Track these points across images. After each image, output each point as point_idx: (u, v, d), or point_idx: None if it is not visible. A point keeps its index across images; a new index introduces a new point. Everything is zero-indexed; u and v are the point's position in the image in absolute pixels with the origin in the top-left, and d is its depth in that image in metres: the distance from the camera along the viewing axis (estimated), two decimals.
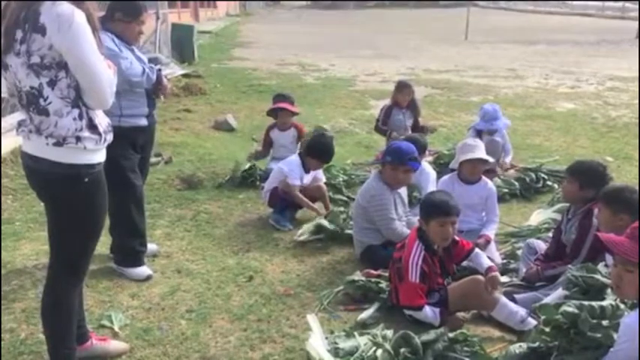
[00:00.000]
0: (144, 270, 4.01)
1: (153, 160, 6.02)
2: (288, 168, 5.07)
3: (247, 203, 5.48)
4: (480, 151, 4.56)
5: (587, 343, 2.70)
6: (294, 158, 5.20)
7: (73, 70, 2.44)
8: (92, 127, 2.55)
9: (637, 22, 24.27)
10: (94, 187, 2.62)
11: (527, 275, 3.81)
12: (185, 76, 12.20)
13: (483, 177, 4.67)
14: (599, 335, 2.67)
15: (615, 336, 2.60)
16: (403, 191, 4.45)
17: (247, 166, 5.99)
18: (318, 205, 5.15)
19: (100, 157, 2.63)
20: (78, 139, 2.50)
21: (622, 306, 2.81)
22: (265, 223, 5.04)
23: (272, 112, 6.25)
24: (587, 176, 3.70)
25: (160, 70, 3.98)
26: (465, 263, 3.94)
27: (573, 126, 8.89)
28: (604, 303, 2.82)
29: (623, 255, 2.42)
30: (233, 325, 3.45)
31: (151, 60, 4.52)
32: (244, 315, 3.56)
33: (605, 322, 2.73)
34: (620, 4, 34.56)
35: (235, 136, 8.19)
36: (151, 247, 4.30)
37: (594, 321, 2.71)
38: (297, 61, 16.51)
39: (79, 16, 2.39)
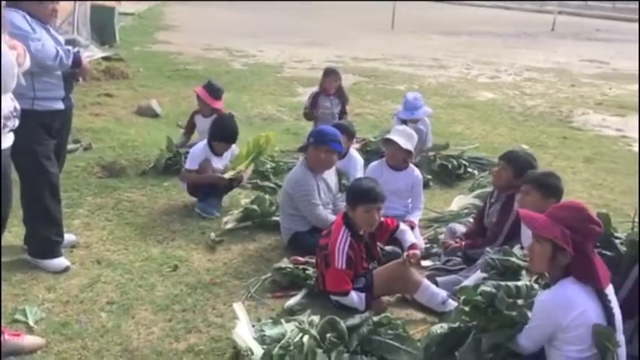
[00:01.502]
0: (61, 261, 3.83)
1: (71, 146, 5.76)
2: (191, 154, 5.00)
3: (172, 191, 5.34)
4: (402, 138, 4.62)
5: (503, 322, 2.82)
6: (201, 143, 5.11)
7: None
8: None
9: (552, 16, 25.51)
10: None
11: (451, 250, 3.94)
12: (106, 59, 11.67)
13: (411, 164, 4.76)
14: (514, 313, 2.80)
15: (529, 314, 2.74)
16: (330, 177, 4.47)
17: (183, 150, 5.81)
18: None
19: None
20: None
21: (536, 286, 2.95)
22: (191, 211, 4.94)
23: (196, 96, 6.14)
24: (522, 165, 3.86)
25: (78, 52, 3.78)
26: (389, 248, 4.03)
27: (492, 115, 9.25)
28: (519, 283, 2.95)
29: (535, 229, 2.63)
30: (157, 316, 3.36)
31: (68, 42, 4.30)
32: (169, 305, 3.48)
33: (520, 301, 2.85)
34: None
35: (160, 122, 7.94)
36: (69, 237, 4.11)
37: (510, 300, 2.83)
38: (225, 46, 16.20)
39: None
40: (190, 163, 4.97)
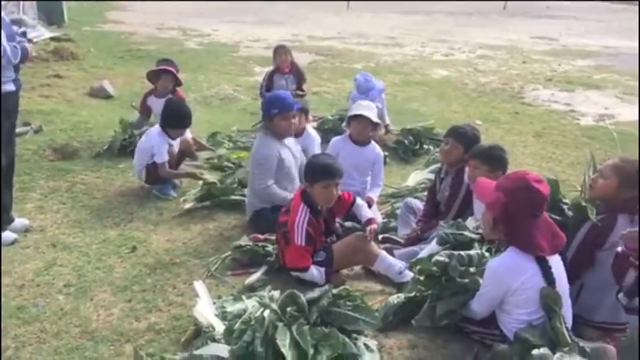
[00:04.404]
0: (8, 235, 3.79)
1: (20, 129, 5.59)
2: (155, 146, 4.84)
3: (128, 172, 5.26)
4: (370, 112, 4.67)
5: (456, 289, 2.94)
6: (155, 131, 4.96)
7: None
8: None
9: None
10: None
11: (408, 240, 4.02)
12: (54, 39, 11.30)
13: (373, 141, 4.81)
14: (466, 280, 2.92)
15: (481, 281, 2.86)
16: (292, 145, 4.44)
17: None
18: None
19: None
20: None
21: (487, 254, 3.07)
22: (148, 192, 4.89)
23: (153, 76, 5.98)
24: (470, 141, 3.95)
25: (25, 47, 3.67)
26: (349, 224, 4.10)
27: (447, 92, 9.40)
28: (471, 252, 3.07)
29: (476, 194, 2.82)
30: (116, 297, 3.35)
31: (14, 22, 4.16)
32: (128, 286, 3.46)
33: (472, 269, 2.98)
34: None
35: (113, 104, 7.77)
36: (22, 221, 4.03)
37: (463, 268, 2.95)
38: (178, 25, 15.88)
39: None
40: (161, 156, 4.83)
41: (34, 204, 4.53)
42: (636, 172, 2.97)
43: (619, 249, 2.58)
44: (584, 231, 3.02)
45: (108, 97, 8.05)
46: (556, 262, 2.74)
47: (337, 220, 3.94)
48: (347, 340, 2.80)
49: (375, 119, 4.62)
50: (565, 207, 3.18)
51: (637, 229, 2.51)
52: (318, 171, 3.60)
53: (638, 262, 2.45)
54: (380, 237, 4.12)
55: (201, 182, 4.86)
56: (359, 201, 3.88)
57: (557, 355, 2.45)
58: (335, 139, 4.84)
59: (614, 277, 2.60)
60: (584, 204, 3.10)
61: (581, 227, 3.03)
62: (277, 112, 4.19)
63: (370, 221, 3.74)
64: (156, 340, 2.97)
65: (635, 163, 3.03)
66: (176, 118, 4.99)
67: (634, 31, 17.67)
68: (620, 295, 2.51)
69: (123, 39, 13.20)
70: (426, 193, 4.54)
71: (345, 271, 3.70)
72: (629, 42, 15.29)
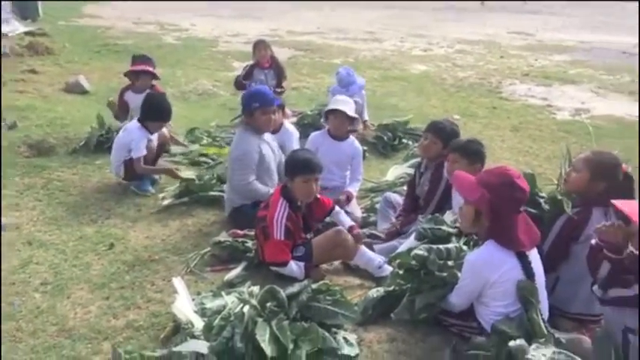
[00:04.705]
0: None
1: None
2: (134, 140, 4.79)
3: (105, 169, 5.19)
4: (347, 107, 4.68)
5: (435, 282, 2.96)
6: (134, 125, 4.91)
7: None
8: None
9: None
10: None
11: (388, 235, 4.04)
12: (28, 34, 11.11)
13: (351, 136, 4.82)
14: (445, 274, 2.95)
15: (459, 274, 2.89)
16: (271, 141, 4.43)
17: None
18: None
19: None
20: None
21: (465, 247, 3.10)
22: (126, 189, 4.84)
23: (131, 75, 5.93)
24: (449, 135, 3.98)
25: None
26: (328, 219, 4.10)
27: (426, 87, 9.45)
28: (450, 245, 3.10)
29: (458, 190, 2.84)
30: (94, 295, 3.31)
31: None
32: (106, 283, 3.43)
33: (450, 263, 3.01)
34: None
35: (89, 99, 7.66)
36: None
37: (441, 262, 2.97)
38: (156, 20, 15.71)
39: None
40: (139, 151, 4.77)
41: (8, 201, 4.45)
42: (607, 164, 3.03)
43: (593, 242, 2.63)
44: (560, 224, 3.07)
45: (84, 92, 7.94)
46: (534, 256, 2.78)
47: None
48: (326, 334, 2.81)
49: (352, 114, 4.63)
50: (541, 200, 3.23)
51: (611, 222, 2.56)
52: (298, 165, 3.61)
53: (611, 255, 2.49)
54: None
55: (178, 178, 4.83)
56: (337, 208, 3.91)
57: (534, 346, 2.49)
58: (313, 135, 4.84)
59: (589, 270, 2.65)
60: (560, 197, 3.15)
61: (557, 220, 3.08)
62: (258, 106, 4.17)
63: (352, 228, 3.76)
64: (134, 338, 2.95)
65: (606, 155, 3.09)
66: (156, 112, 4.95)
67: (609, 25, 18.00)
68: (595, 287, 2.56)
69: (99, 33, 13.02)
70: (405, 188, 4.57)
71: (324, 266, 3.71)
72: (602, 36, 15.54)
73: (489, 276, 2.70)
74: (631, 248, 2.55)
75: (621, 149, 3.91)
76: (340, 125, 4.66)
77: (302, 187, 3.60)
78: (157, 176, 5.03)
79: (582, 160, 3.09)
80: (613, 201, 2.48)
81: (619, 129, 7.25)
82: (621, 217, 2.49)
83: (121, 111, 5.92)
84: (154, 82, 5.97)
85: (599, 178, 3.02)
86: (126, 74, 5.98)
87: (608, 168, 3.02)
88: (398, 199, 4.37)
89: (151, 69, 5.85)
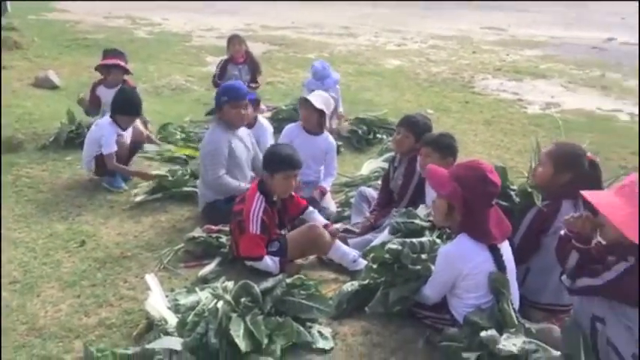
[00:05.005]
0: None
1: None
2: (104, 136, 4.73)
3: (76, 165, 5.11)
4: (315, 99, 4.67)
5: (409, 276, 2.98)
6: (105, 121, 4.86)
7: None
8: None
9: None
10: None
11: (362, 229, 4.05)
12: None
13: (326, 131, 4.82)
14: (418, 267, 2.97)
15: (433, 267, 2.91)
16: (245, 135, 4.42)
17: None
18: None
19: None
20: None
21: (438, 240, 3.13)
22: (98, 185, 4.77)
23: (102, 69, 5.83)
24: (422, 130, 4.00)
25: None
26: (302, 217, 4.11)
27: (400, 81, 9.49)
28: (423, 239, 3.12)
29: (431, 185, 2.86)
30: (64, 293, 3.27)
31: None
32: (77, 281, 3.38)
33: (424, 256, 3.03)
34: None
35: (59, 94, 7.52)
36: None
37: (414, 255, 3.00)
38: (127, 14, 15.48)
39: None
40: (109, 147, 4.71)
41: None
42: (569, 154, 3.09)
43: (562, 232, 2.67)
44: (530, 217, 3.11)
45: (53, 87, 7.80)
46: (506, 248, 2.82)
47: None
48: (301, 328, 2.82)
49: (319, 106, 4.62)
50: (512, 193, 3.27)
51: (579, 213, 2.60)
52: (280, 161, 3.60)
53: (580, 245, 2.54)
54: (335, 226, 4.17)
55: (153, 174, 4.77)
56: (311, 208, 3.92)
57: (504, 336, 2.53)
58: (288, 127, 4.85)
59: (558, 260, 2.69)
60: (530, 190, 3.19)
61: (527, 213, 3.12)
62: (227, 99, 4.15)
63: (326, 226, 3.77)
64: (106, 336, 2.92)
65: (568, 147, 3.16)
66: (125, 106, 4.88)
67: (579, 22, 18.29)
68: (564, 277, 2.60)
69: (69, 28, 12.79)
70: (379, 182, 4.60)
71: (299, 261, 3.71)
72: (573, 32, 15.78)
73: (462, 268, 2.73)
74: (599, 238, 2.61)
75: (591, 142, 4.00)
76: (308, 116, 4.66)
77: (282, 184, 3.60)
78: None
79: (545, 154, 3.15)
80: (582, 192, 2.52)
81: (588, 122, 7.39)
82: (589, 208, 2.54)
83: (93, 106, 5.82)
84: (126, 77, 5.88)
85: (563, 169, 3.07)
86: (97, 68, 5.89)
87: (571, 159, 3.08)
88: (372, 193, 4.39)
89: (122, 63, 5.76)
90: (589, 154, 3.14)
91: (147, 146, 5.51)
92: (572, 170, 3.06)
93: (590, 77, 10.29)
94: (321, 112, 4.64)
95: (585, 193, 2.49)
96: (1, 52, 9.46)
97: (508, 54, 12.46)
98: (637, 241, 2.27)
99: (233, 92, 4.19)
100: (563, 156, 3.08)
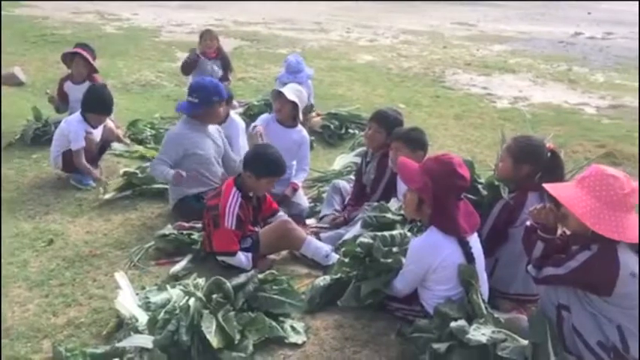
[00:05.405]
0: None
1: None
2: (72, 132, 4.68)
3: (43, 163, 5.02)
4: (288, 91, 4.65)
5: (380, 269, 3.00)
6: (75, 118, 4.81)
7: None
8: None
9: None
10: None
11: (336, 224, 4.07)
12: None
13: (299, 125, 4.81)
14: (390, 260, 2.99)
15: (404, 260, 2.94)
16: (215, 132, 4.40)
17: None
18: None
19: None
20: None
21: (409, 234, 3.16)
22: (66, 183, 4.69)
23: (65, 58, 5.73)
24: (392, 124, 4.03)
25: None
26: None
27: (372, 76, 9.53)
28: (394, 232, 3.15)
29: (402, 178, 2.90)
30: (32, 293, 3.21)
31: None
32: (44, 281, 3.33)
33: (395, 249, 3.05)
34: None
35: (25, 91, 7.37)
36: None
37: (386, 249, 3.02)
38: (95, 9, 15.21)
39: None
40: (77, 143, 4.66)
41: None
42: (527, 147, 3.16)
43: (528, 223, 2.72)
44: (497, 209, 3.17)
45: (19, 84, 7.65)
46: (474, 241, 2.86)
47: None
48: (273, 323, 2.83)
49: (291, 97, 4.61)
50: (480, 186, 3.32)
51: (542, 205, 2.66)
52: (269, 166, 3.61)
53: (545, 235, 2.59)
54: (306, 221, 4.19)
55: (121, 172, 4.70)
56: (281, 212, 3.95)
57: (474, 326, 2.57)
58: (262, 117, 4.86)
59: (525, 251, 2.74)
60: (497, 183, 3.25)
61: (495, 206, 3.18)
62: (218, 99, 4.22)
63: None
64: (75, 335, 2.88)
65: (525, 139, 3.24)
66: (96, 105, 4.81)
67: (547, 17, 18.60)
68: (530, 267, 2.66)
69: (36, 23, 12.52)
70: (352, 177, 4.62)
71: (272, 256, 3.70)
72: (541, 27, 16.04)
73: (432, 261, 2.76)
74: (563, 229, 2.67)
75: (557, 135, 4.12)
76: (281, 107, 4.66)
77: (265, 187, 3.66)
78: (98, 170, 4.88)
79: (505, 149, 3.25)
80: (545, 185, 2.58)
81: (555, 116, 7.53)
82: (553, 200, 2.59)
83: (62, 102, 5.72)
84: (95, 75, 5.77)
85: (522, 162, 3.15)
86: (63, 59, 5.80)
87: (528, 151, 3.16)
88: (346, 185, 4.41)
89: (84, 53, 5.65)
90: (549, 144, 3.21)
91: (115, 145, 5.41)
92: (530, 162, 3.14)
93: (557, 72, 10.48)
94: (295, 105, 4.64)
95: (548, 185, 2.55)
96: None
97: (478, 49, 12.60)
98: (598, 231, 2.33)
99: (224, 93, 4.30)
100: (520, 149, 3.16)
